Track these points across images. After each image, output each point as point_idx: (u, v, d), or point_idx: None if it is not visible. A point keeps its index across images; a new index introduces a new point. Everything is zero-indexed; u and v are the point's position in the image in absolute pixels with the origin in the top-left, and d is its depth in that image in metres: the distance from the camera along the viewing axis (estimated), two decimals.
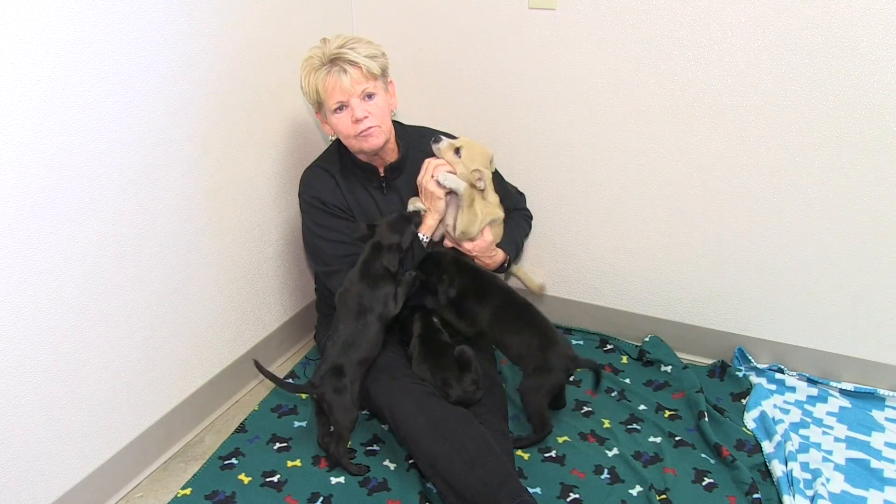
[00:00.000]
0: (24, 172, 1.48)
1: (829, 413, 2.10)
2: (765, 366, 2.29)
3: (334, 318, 1.92)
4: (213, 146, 1.98)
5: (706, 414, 2.05)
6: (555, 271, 2.56)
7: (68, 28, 1.51)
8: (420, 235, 2.00)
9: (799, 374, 2.26)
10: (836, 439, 1.98)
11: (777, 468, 1.84)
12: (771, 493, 1.80)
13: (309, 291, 2.51)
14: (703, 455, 1.93)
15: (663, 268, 2.38)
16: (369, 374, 1.93)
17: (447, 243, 2.09)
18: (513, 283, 2.49)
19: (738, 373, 2.28)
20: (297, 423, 2.08)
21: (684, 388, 2.20)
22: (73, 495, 1.74)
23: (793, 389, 2.21)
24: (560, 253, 2.52)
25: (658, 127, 2.21)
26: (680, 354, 2.40)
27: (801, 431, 2.01)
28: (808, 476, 1.82)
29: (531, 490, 1.76)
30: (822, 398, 2.17)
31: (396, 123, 2.11)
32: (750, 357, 2.33)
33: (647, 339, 2.45)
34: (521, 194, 2.35)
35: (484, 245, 2.04)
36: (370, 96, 1.92)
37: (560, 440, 2.00)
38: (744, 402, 2.16)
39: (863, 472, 1.86)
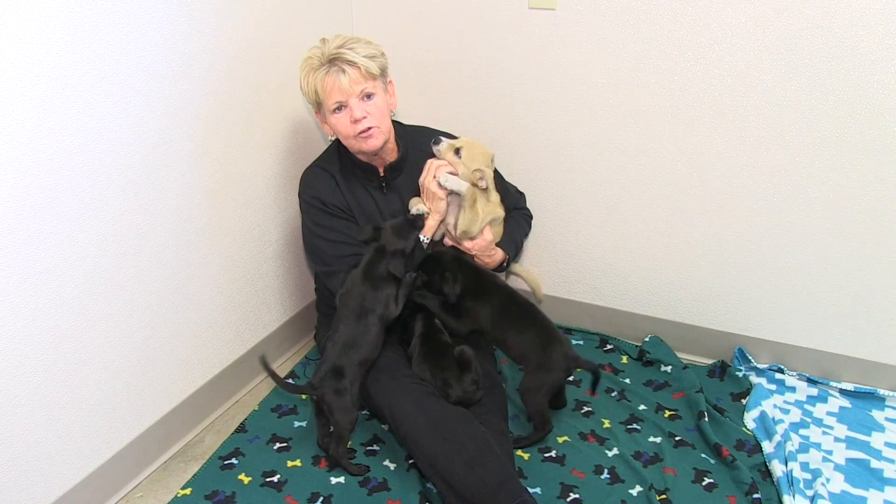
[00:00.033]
0: (24, 172, 1.48)
1: (829, 413, 2.10)
2: (765, 366, 2.29)
3: (335, 319, 1.92)
4: (213, 146, 1.98)
5: (706, 414, 2.05)
6: (555, 271, 2.56)
7: (68, 28, 1.51)
8: (421, 237, 2.00)
9: (799, 374, 2.26)
10: (836, 439, 1.98)
11: (777, 468, 1.84)
12: (771, 493, 1.80)
13: (309, 291, 2.51)
14: (703, 455, 1.93)
15: (663, 268, 2.39)
16: (369, 374, 1.93)
17: (447, 241, 2.09)
18: (513, 282, 2.49)
19: (738, 373, 2.28)
20: (297, 423, 2.08)
21: (684, 388, 2.20)
22: (73, 495, 1.74)
23: (793, 389, 2.21)
24: (560, 253, 2.52)
25: (658, 127, 2.21)
26: (680, 354, 2.40)
27: (801, 431, 2.01)
28: (808, 476, 1.82)
29: (531, 490, 1.76)
30: (822, 398, 2.17)
31: (396, 123, 2.11)
32: (750, 357, 2.33)
33: (647, 339, 2.45)
34: (521, 194, 2.35)
35: (484, 244, 2.05)
36: (369, 96, 1.91)
37: (560, 440, 2.00)
38: (744, 402, 2.16)
39: (863, 472, 1.86)
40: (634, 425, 2.06)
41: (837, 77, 1.95)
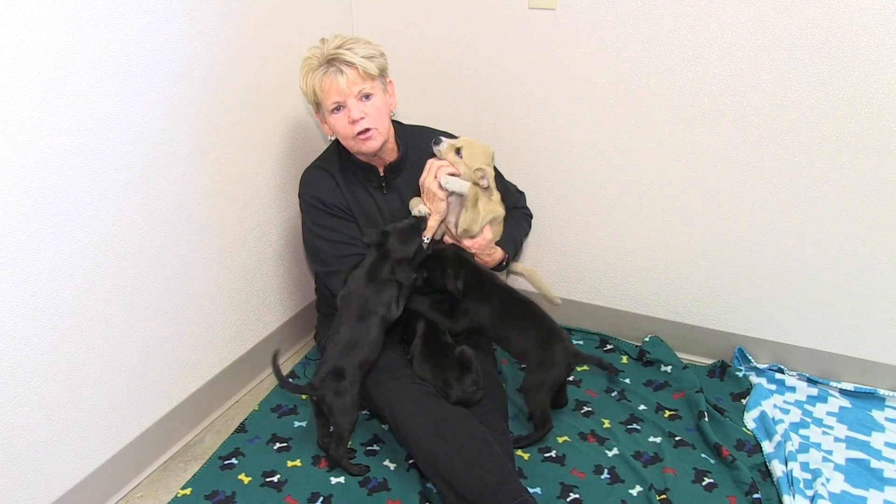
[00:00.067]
0: (24, 172, 1.48)
1: (829, 413, 2.10)
2: (765, 366, 2.29)
3: (335, 319, 1.92)
4: (213, 146, 1.98)
5: (706, 414, 2.05)
6: (555, 271, 2.56)
7: (68, 28, 1.51)
8: (422, 238, 2.00)
9: (799, 374, 2.26)
10: (836, 439, 1.98)
11: (777, 468, 1.84)
12: (771, 493, 1.80)
13: (309, 291, 2.51)
14: (703, 455, 1.93)
15: (663, 268, 2.39)
16: (370, 374, 1.93)
17: (447, 240, 2.09)
18: (513, 281, 2.49)
19: (738, 373, 2.28)
20: (297, 423, 2.08)
21: (684, 388, 2.20)
22: (73, 495, 1.74)
23: (793, 389, 2.21)
24: (560, 253, 2.52)
25: (658, 127, 2.21)
26: (680, 354, 2.40)
27: (801, 431, 2.01)
28: (808, 476, 1.82)
29: (531, 490, 1.76)
30: (822, 398, 2.17)
31: (396, 123, 2.11)
32: (750, 357, 2.33)
33: (647, 339, 2.45)
34: (521, 193, 2.35)
35: (484, 242, 2.05)
36: (367, 97, 1.91)
37: (560, 440, 2.00)
38: (744, 402, 2.16)
39: (863, 472, 1.86)
40: (634, 425, 2.06)
41: (837, 77, 1.95)
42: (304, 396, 2.16)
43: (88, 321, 1.70)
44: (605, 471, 1.88)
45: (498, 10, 2.27)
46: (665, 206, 2.30)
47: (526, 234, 2.34)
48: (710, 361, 2.38)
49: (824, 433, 2.01)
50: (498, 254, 2.12)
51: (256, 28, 2.06)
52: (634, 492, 1.81)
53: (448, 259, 1.99)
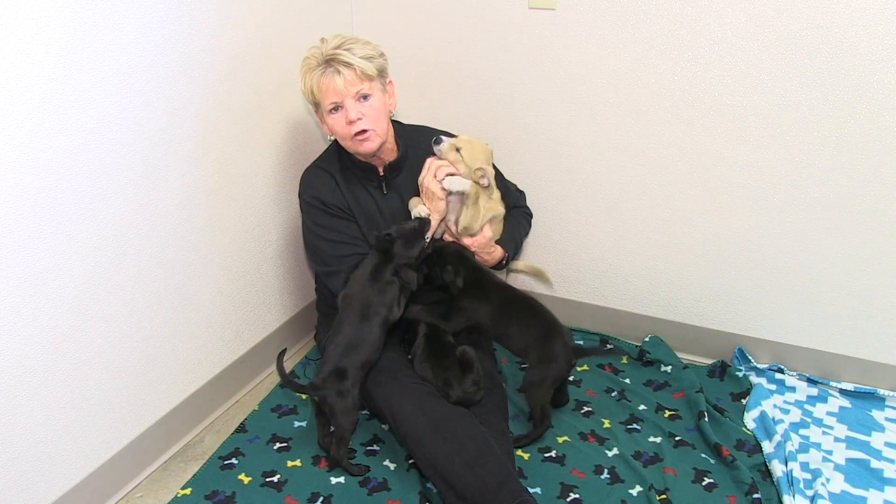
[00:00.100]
0: (24, 172, 1.48)
1: (829, 413, 2.10)
2: (765, 366, 2.29)
3: (336, 319, 1.91)
4: (212, 146, 1.98)
5: (706, 414, 2.05)
6: (555, 271, 2.56)
7: (68, 28, 1.51)
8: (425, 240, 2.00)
9: (799, 374, 2.26)
10: (836, 439, 1.98)
11: (777, 468, 1.84)
12: (771, 493, 1.80)
13: (309, 291, 2.51)
14: (703, 455, 1.93)
15: (663, 268, 2.39)
16: (370, 374, 1.92)
17: (446, 238, 2.09)
18: (512, 280, 2.49)
19: (738, 373, 2.28)
20: (297, 423, 2.08)
21: (684, 388, 2.20)
22: (73, 495, 1.74)
23: (793, 389, 2.21)
24: (560, 253, 2.52)
25: (658, 127, 2.21)
26: (680, 354, 2.40)
27: (801, 431, 2.01)
28: (808, 476, 1.82)
29: (531, 490, 1.76)
30: (822, 398, 2.17)
31: (395, 123, 2.11)
32: (750, 357, 2.33)
33: (647, 339, 2.45)
34: (521, 192, 2.35)
35: (483, 241, 2.05)
36: (365, 97, 1.91)
37: (560, 440, 2.00)
38: (744, 402, 2.16)
39: (863, 472, 1.86)
40: (634, 425, 2.06)
41: (837, 77, 1.95)
42: (304, 396, 2.16)
43: (88, 321, 1.70)
44: (605, 471, 1.88)
45: (498, 10, 2.27)
46: (665, 206, 2.30)
47: (526, 234, 2.34)
48: (710, 361, 2.38)
49: (824, 433, 2.01)
50: (498, 252, 2.12)
51: (256, 28, 2.06)
52: (634, 492, 1.81)
53: (448, 255, 1.99)
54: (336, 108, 1.91)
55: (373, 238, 1.92)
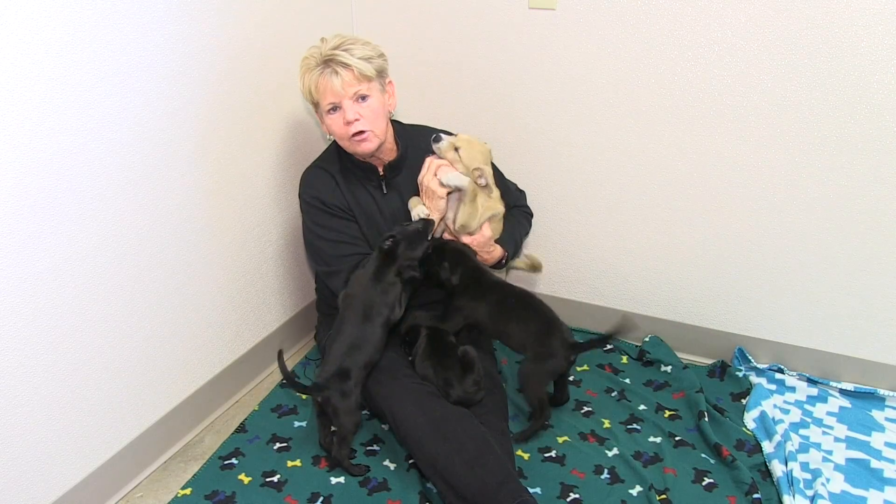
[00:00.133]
0: (24, 172, 1.48)
1: (829, 413, 2.10)
2: (765, 366, 2.29)
3: (338, 319, 1.91)
4: (212, 146, 1.98)
5: (706, 414, 2.05)
6: (555, 271, 2.56)
7: (68, 28, 1.51)
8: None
9: (799, 374, 2.26)
10: (836, 439, 1.98)
11: (777, 468, 1.84)
12: (771, 493, 1.80)
13: (309, 291, 2.51)
14: (703, 455, 1.93)
15: (663, 268, 2.39)
16: (370, 374, 1.92)
17: (446, 236, 2.09)
18: (512, 279, 2.49)
19: (738, 373, 2.28)
20: (297, 423, 2.08)
21: (684, 388, 2.20)
22: (73, 495, 1.74)
23: (793, 389, 2.21)
24: (560, 253, 2.52)
25: (658, 127, 2.21)
26: (680, 354, 2.40)
27: (801, 431, 2.01)
28: (808, 476, 1.82)
29: (531, 490, 1.76)
30: (822, 398, 2.17)
31: (395, 122, 2.11)
32: (750, 357, 2.33)
33: (647, 339, 2.45)
34: (522, 191, 2.35)
35: (482, 240, 2.05)
36: (363, 98, 1.91)
37: (560, 440, 2.00)
38: (744, 402, 2.16)
39: (863, 472, 1.86)
40: (634, 425, 2.06)
41: (837, 77, 1.95)
42: (304, 396, 2.16)
43: (88, 321, 1.70)
44: (605, 471, 1.88)
45: (498, 10, 2.27)
46: (665, 206, 2.30)
47: (526, 233, 2.35)
48: (710, 361, 2.38)
49: (824, 433, 2.01)
50: (497, 251, 2.12)
51: (256, 28, 2.06)
52: (634, 492, 1.81)
53: (448, 253, 1.99)
54: (334, 108, 1.91)
55: (382, 246, 1.90)
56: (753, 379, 2.24)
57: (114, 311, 1.76)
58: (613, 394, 2.20)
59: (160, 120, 1.79)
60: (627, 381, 2.27)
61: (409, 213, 2.04)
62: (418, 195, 2.05)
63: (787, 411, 2.11)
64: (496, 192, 2.08)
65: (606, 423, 2.06)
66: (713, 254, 2.29)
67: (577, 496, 1.80)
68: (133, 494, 1.89)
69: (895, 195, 2.01)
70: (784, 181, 2.11)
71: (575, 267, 2.52)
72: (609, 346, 2.46)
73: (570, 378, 2.20)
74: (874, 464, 1.88)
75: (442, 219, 2.05)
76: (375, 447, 1.98)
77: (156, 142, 1.79)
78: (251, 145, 2.13)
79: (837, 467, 1.87)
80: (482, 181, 1.99)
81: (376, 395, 1.91)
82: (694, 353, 2.44)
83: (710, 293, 2.35)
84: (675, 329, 2.43)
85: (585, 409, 2.13)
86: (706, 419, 2.03)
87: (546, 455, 1.94)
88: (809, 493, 1.76)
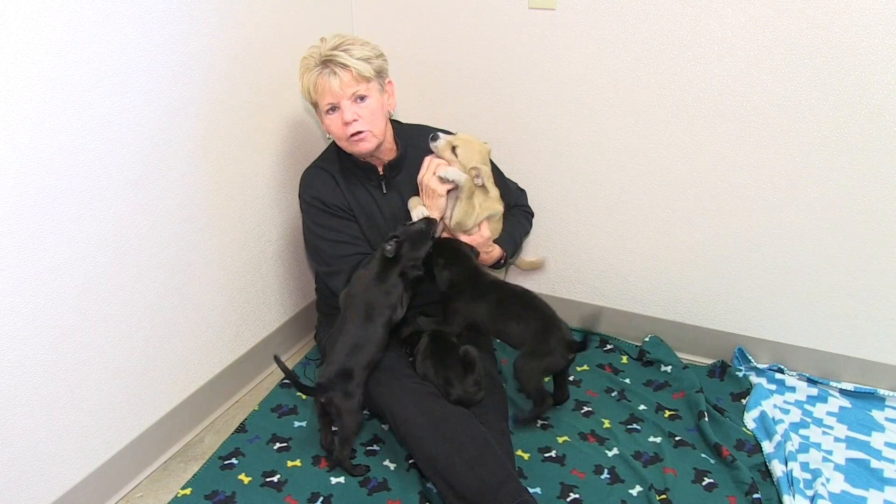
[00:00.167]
0: (24, 172, 1.48)
1: (829, 413, 2.10)
2: (765, 366, 2.29)
3: (339, 319, 1.91)
4: (212, 146, 1.98)
5: (706, 414, 2.05)
6: (555, 271, 2.56)
7: (68, 28, 1.51)
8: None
9: (799, 374, 2.26)
10: (836, 439, 1.98)
11: (777, 468, 1.84)
12: (771, 493, 1.80)
13: (309, 291, 2.51)
14: (703, 455, 1.93)
15: (663, 268, 2.39)
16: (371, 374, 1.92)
17: (445, 236, 2.09)
18: (512, 278, 2.49)
19: (738, 373, 2.28)
20: (297, 423, 2.08)
21: (684, 388, 2.20)
22: (73, 495, 1.74)
23: (793, 389, 2.21)
24: (560, 253, 2.52)
25: (658, 127, 2.21)
26: (680, 354, 2.40)
27: (801, 431, 2.01)
28: (808, 476, 1.82)
29: (531, 490, 1.76)
30: (822, 398, 2.17)
31: (394, 122, 2.11)
32: (750, 357, 2.33)
33: (647, 339, 2.45)
34: (522, 191, 2.35)
35: (481, 240, 2.04)
36: (362, 98, 1.91)
37: (560, 440, 2.00)
38: (744, 402, 2.16)
39: (863, 472, 1.86)
40: (634, 425, 2.06)
41: (837, 77, 1.95)
42: (304, 397, 2.16)
43: (88, 321, 1.70)
44: (605, 471, 1.88)
45: (498, 10, 2.27)
46: (665, 206, 2.30)
47: (526, 233, 2.34)
48: (710, 361, 2.38)
49: (824, 433, 2.01)
50: (496, 252, 2.12)
51: (256, 28, 2.06)
52: (634, 492, 1.81)
53: (446, 251, 1.98)
54: (333, 108, 1.92)
55: (386, 248, 1.89)
56: (753, 379, 2.24)
57: (114, 311, 1.76)
58: (613, 394, 2.20)
59: (160, 120, 1.79)
60: (627, 381, 2.27)
61: (409, 212, 2.04)
62: (418, 195, 2.05)
63: (787, 411, 2.11)
64: (495, 192, 2.08)
65: (606, 423, 2.06)
66: (713, 254, 2.29)
67: (577, 496, 1.80)
68: (133, 494, 1.89)
69: (895, 195, 2.01)
70: (784, 181, 2.11)
71: (575, 267, 2.52)
72: (609, 346, 2.46)
73: (570, 378, 2.20)
74: (874, 464, 1.88)
75: (442, 218, 2.05)
76: (375, 447, 1.98)
77: (156, 142, 1.79)
78: (251, 145, 2.13)
79: (837, 467, 1.87)
80: (479, 181, 1.99)
81: (376, 395, 1.91)
82: (694, 353, 2.44)
83: (710, 293, 2.35)
84: (675, 329, 2.43)
85: (585, 409, 2.13)
86: (706, 419, 2.03)
87: (546, 455, 1.94)
88: (809, 493, 1.76)
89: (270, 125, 2.20)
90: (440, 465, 1.69)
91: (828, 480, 1.81)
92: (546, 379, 2.03)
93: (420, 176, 2.02)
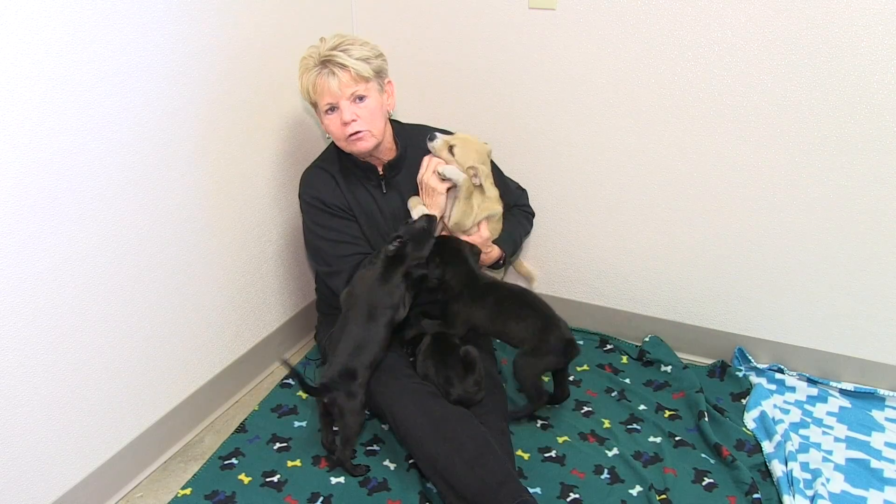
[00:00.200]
0: (24, 172, 1.48)
1: (829, 413, 2.10)
2: (765, 366, 2.29)
3: (341, 319, 1.90)
4: (213, 146, 1.98)
5: (706, 414, 2.05)
6: (555, 271, 2.56)
7: (68, 28, 1.51)
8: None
9: (799, 374, 2.26)
10: (836, 439, 1.98)
11: (777, 468, 1.84)
12: (771, 493, 1.80)
13: (309, 291, 2.51)
14: (703, 455, 1.93)
15: (663, 268, 2.39)
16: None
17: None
18: (510, 277, 2.49)
19: (738, 373, 2.28)
20: (297, 423, 2.08)
21: (684, 388, 2.20)
22: (73, 495, 1.74)
23: (793, 389, 2.21)
24: (560, 253, 2.52)
25: (658, 127, 2.21)
26: (680, 354, 2.40)
27: (801, 431, 2.01)
28: (808, 476, 1.82)
29: (531, 490, 1.76)
30: (822, 398, 2.17)
31: (394, 122, 2.11)
32: (750, 357, 2.33)
33: (647, 339, 2.45)
34: (523, 190, 2.35)
35: (480, 241, 2.04)
36: (360, 98, 1.91)
37: (560, 440, 2.00)
38: (744, 402, 2.16)
39: (863, 472, 1.86)
40: (634, 425, 2.06)
41: (837, 77, 1.95)
42: (304, 396, 2.16)
43: (88, 321, 1.70)
44: (605, 471, 1.88)
45: (498, 10, 2.27)
46: (665, 206, 2.30)
47: (527, 233, 2.34)
48: (710, 361, 2.38)
49: (824, 433, 2.01)
50: (495, 252, 2.12)
51: (256, 28, 2.06)
52: (634, 492, 1.81)
53: (445, 250, 1.98)
54: (332, 108, 1.92)
55: (389, 248, 1.89)
56: (753, 379, 2.24)
57: (114, 311, 1.76)
58: (613, 394, 2.20)
59: (160, 120, 1.79)
60: (627, 381, 2.27)
61: (408, 212, 2.04)
62: (418, 194, 2.05)
63: (787, 411, 2.11)
64: (494, 193, 2.08)
65: (606, 423, 2.07)
66: (713, 254, 2.29)
67: (577, 496, 1.80)
68: (133, 494, 1.89)
69: (895, 195, 2.01)
70: (784, 181, 2.11)
71: (575, 267, 2.52)
72: (609, 346, 2.46)
73: (570, 377, 2.20)
74: (874, 464, 1.88)
75: (441, 217, 2.05)
76: (375, 447, 1.98)
77: (156, 142, 1.79)
78: (251, 145, 2.13)
79: (837, 467, 1.87)
80: (476, 181, 1.99)
81: (377, 394, 1.91)
82: (694, 353, 2.44)
83: (710, 293, 2.35)
84: (675, 329, 2.43)
85: (585, 409, 2.13)
86: (706, 419, 2.03)
87: (546, 455, 1.94)
88: (809, 493, 1.76)
89: (270, 125, 2.20)
90: (440, 465, 1.69)
91: (828, 480, 1.81)
92: (546, 378, 2.03)
93: (420, 175, 2.02)
